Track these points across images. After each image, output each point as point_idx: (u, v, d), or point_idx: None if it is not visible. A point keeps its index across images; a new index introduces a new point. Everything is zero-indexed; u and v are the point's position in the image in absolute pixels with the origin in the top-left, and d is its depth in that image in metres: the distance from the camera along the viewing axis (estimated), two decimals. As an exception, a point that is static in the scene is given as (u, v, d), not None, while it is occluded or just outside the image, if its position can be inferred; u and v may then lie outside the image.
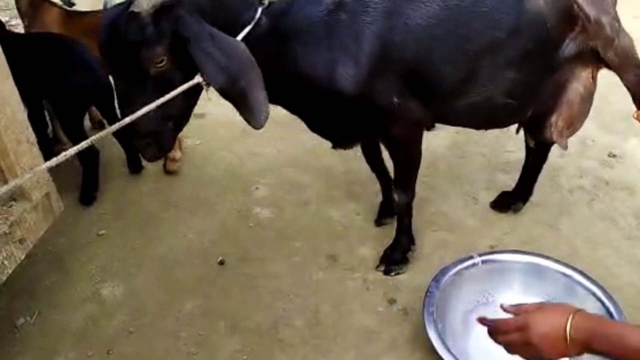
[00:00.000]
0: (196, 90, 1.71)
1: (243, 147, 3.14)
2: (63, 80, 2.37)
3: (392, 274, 2.37)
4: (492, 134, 3.09)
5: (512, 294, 2.22)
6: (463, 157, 3.03)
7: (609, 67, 2.08)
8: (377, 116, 1.96)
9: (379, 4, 1.84)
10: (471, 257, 2.22)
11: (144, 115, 1.53)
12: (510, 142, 3.02)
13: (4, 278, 1.83)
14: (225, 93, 1.69)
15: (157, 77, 1.65)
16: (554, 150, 2.73)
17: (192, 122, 3.18)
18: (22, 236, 1.88)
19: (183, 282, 2.37)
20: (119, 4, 1.64)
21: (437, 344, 1.95)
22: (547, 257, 2.23)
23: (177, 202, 2.78)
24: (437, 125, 2.26)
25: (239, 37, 1.73)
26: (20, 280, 2.31)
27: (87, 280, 2.36)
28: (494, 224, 2.62)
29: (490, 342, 1.68)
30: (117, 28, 1.60)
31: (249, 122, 1.74)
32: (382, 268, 2.39)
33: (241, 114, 1.75)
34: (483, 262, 2.22)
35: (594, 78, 2.14)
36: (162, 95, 1.56)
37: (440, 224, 2.61)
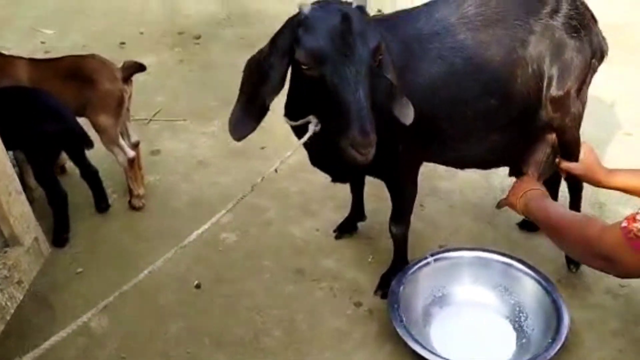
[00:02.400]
0: None
1: (201, 178, 3.33)
2: (36, 129, 2.51)
3: None
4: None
5: (462, 286, 2.54)
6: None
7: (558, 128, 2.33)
8: (382, 160, 2.06)
9: (395, 59, 2.01)
10: (425, 258, 2.52)
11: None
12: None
13: (8, 317, 1.97)
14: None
15: (373, 71, 1.76)
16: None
17: (149, 159, 3.40)
18: (19, 278, 2.04)
19: (165, 307, 2.55)
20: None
21: (402, 333, 2.22)
22: (489, 250, 2.56)
23: (147, 235, 2.94)
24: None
25: None
26: (9, 321, 2.42)
27: (73, 315, 2.46)
28: (440, 226, 2.92)
29: (446, 329, 2.33)
30: (351, 20, 1.69)
31: (400, 116, 1.96)
32: (380, 293, 2.56)
33: (395, 110, 1.96)
34: (435, 260, 2.53)
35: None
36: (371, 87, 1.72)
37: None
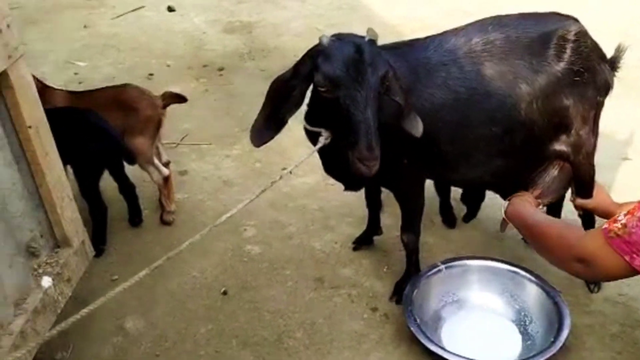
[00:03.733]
0: None
1: (227, 196, 3.55)
2: (85, 147, 2.77)
3: None
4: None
5: (471, 291, 2.72)
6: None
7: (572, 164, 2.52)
8: (388, 171, 2.25)
9: (403, 80, 2.23)
10: (436, 265, 2.72)
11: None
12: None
13: (58, 311, 2.18)
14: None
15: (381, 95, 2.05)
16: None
17: (178, 179, 3.63)
18: (69, 276, 2.25)
19: (194, 311, 2.75)
20: (345, 40, 2.05)
21: (417, 332, 2.41)
22: (497, 260, 2.75)
23: (176, 246, 3.14)
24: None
25: None
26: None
27: (110, 317, 2.70)
28: (451, 240, 3.12)
29: (455, 331, 2.52)
30: (363, 51, 1.99)
31: (411, 130, 2.21)
32: (395, 298, 2.75)
33: (406, 124, 2.20)
34: (447, 267, 2.72)
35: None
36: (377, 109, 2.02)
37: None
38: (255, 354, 2.53)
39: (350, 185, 2.65)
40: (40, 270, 2.20)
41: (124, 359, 2.51)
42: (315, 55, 2.07)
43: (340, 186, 3.42)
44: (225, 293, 2.85)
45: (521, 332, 2.56)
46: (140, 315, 2.70)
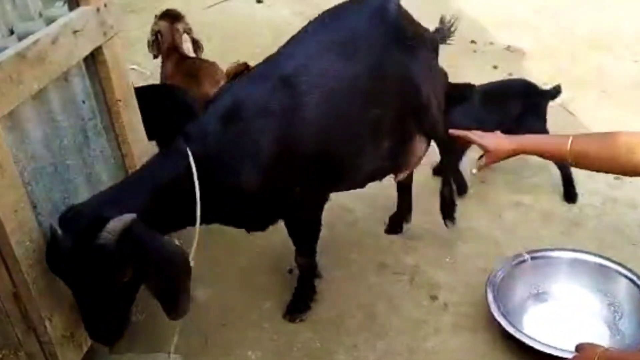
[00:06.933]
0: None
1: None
2: (171, 123, 2.93)
3: (297, 320, 2.68)
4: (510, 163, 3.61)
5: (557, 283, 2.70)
6: (485, 183, 3.55)
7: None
8: (282, 204, 2.31)
9: (275, 104, 2.15)
10: (521, 255, 2.70)
11: (112, 313, 1.88)
12: (526, 169, 3.55)
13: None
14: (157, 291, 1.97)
15: (122, 287, 1.88)
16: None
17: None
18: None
19: (260, 286, 2.88)
20: (61, 234, 1.78)
21: (497, 315, 2.45)
22: (584, 251, 2.72)
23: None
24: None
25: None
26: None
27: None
28: (517, 236, 3.10)
29: (538, 321, 2.56)
30: (83, 259, 1.76)
31: (168, 314, 2.02)
32: (288, 317, 2.69)
33: (163, 306, 2.00)
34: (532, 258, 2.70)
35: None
36: (126, 296, 1.92)
37: (469, 236, 3.11)
38: (314, 331, 2.63)
39: (250, 228, 2.53)
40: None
41: (191, 325, 2.67)
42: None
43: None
44: (290, 271, 2.96)
45: (609, 327, 2.52)
46: (210, 287, 2.85)
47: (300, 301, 2.72)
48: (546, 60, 4.95)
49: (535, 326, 2.53)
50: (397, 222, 3.18)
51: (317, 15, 2.54)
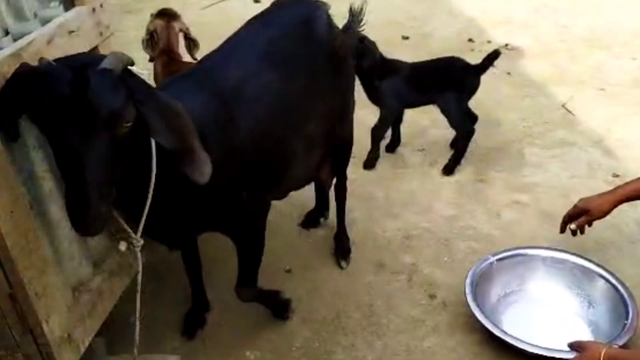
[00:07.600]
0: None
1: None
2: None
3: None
4: (507, 161, 3.61)
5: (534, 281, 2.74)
6: (484, 181, 3.54)
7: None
8: (224, 213, 2.18)
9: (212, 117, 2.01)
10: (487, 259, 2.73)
11: (106, 182, 1.54)
12: (525, 168, 3.55)
13: (133, 274, 2.36)
14: (176, 152, 1.72)
15: (120, 139, 1.58)
16: (565, 172, 3.31)
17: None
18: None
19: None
20: (59, 64, 1.57)
21: (478, 314, 2.47)
22: (561, 250, 2.78)
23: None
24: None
25: None
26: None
27: (180, 287, 2.86)
28: (515, 234, 3.10)
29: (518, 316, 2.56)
30: (82, 86, 1.49)
31: (193, 176, 1.76)
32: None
33: (186, 170, 1.75)
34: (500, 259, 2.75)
35: None
36: (122, 157, 1.60)
37: (467, 235, 3.11)
38: (313, 331, 2.63)
39: (174, 244, 2.43)
40: (118, 236, 2.38)
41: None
42: (25, 80, 1.58)
43: (407, 175, 3.51)
44: (289, 271, 2.96)
45: (585, 321, 2.57)
46: (209, 287, 2.85)
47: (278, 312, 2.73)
48: (544, 59, 4.95)
49: (512, 320, 2.59)
50: (313, 218, 3.28)
51: (249, 19, 2.48)
